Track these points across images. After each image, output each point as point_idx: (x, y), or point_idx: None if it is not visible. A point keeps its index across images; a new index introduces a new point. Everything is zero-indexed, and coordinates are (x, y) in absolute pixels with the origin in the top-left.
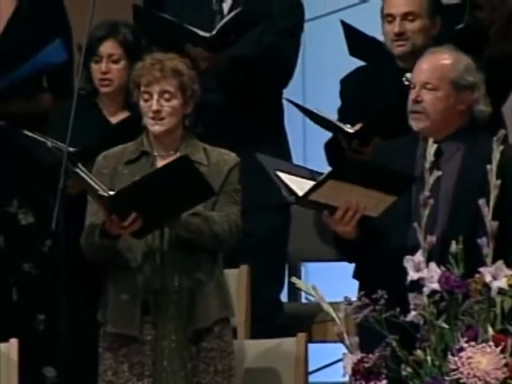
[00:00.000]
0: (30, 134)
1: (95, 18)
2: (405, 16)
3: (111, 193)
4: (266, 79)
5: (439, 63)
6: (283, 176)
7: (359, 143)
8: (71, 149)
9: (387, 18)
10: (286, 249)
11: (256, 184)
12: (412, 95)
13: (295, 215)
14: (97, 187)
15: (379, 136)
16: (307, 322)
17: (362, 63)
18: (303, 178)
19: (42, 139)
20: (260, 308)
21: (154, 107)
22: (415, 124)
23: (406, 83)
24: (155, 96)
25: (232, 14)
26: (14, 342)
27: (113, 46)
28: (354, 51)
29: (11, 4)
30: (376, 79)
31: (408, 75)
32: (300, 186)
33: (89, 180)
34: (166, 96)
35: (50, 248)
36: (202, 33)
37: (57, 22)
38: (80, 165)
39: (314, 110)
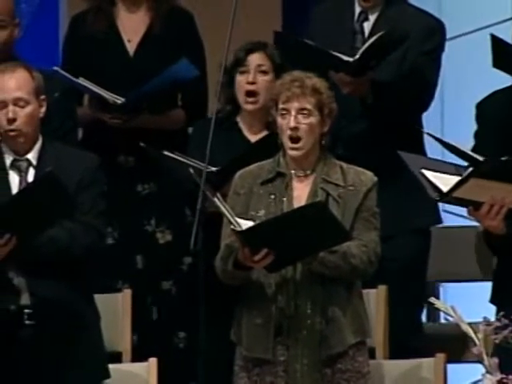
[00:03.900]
0: (170, 154)
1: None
2: None
3: (244, 227)
4: (408, 102)
5: None
6: (428, 174)
7: None
8: (212, 168)
9: None
10: (425, 271)
11: (399, 207)
12: None
13: (434, 236)
14: (232, 220)
15: None
16: (446, 342)
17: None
18: (448, 174)
19: (182, 159)
20: (400, 330)
21: (292, 124)
22: None
23: None
24: (293, 112)
25: (375, 37)
26: (152, 361)
27: (262, 58)
28: (497, 63)
29: (144, 24)
30: None
31: None
32: (445, 182)
33: (225, 211)
34: (304, 113)
35: (189, 266)
36: (344, 57)
37: (190, 42)
38: (219, 195)
39: (456, 145)
